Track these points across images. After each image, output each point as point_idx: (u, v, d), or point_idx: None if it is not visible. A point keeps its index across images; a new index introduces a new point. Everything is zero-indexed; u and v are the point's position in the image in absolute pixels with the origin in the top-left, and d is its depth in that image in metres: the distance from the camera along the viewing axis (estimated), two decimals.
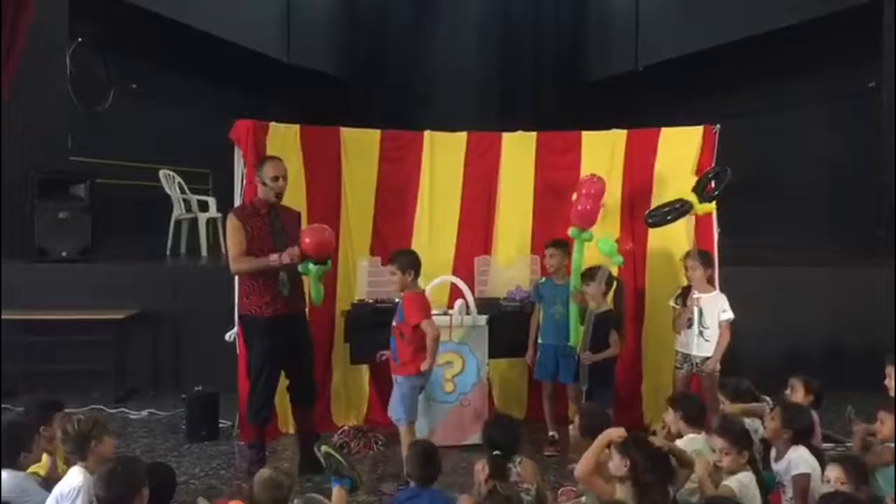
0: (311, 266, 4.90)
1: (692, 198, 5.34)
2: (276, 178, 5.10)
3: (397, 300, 5.18)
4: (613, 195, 6.23)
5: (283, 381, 5.33)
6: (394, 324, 5.10)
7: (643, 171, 6.22)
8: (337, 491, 3.86)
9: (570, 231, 5.64)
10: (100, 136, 9.22)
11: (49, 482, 3.84)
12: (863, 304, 7.27)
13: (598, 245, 5.49)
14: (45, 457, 4.04)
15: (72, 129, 8.69)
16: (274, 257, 4.90)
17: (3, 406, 6.29)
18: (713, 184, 5.39)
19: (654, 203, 6.02)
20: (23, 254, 7.42)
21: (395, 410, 5.05)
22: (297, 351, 5.20)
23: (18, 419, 4.31)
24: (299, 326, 5.26)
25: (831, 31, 9.37)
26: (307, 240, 4.84)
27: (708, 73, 11.57)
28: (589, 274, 5.55)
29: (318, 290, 5.01)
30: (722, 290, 5.62)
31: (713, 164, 5.93)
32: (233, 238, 5.02)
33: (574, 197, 5.63)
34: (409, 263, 5.08)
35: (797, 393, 4.93)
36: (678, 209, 5.35)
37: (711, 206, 5.50)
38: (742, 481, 3.84)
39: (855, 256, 8.86)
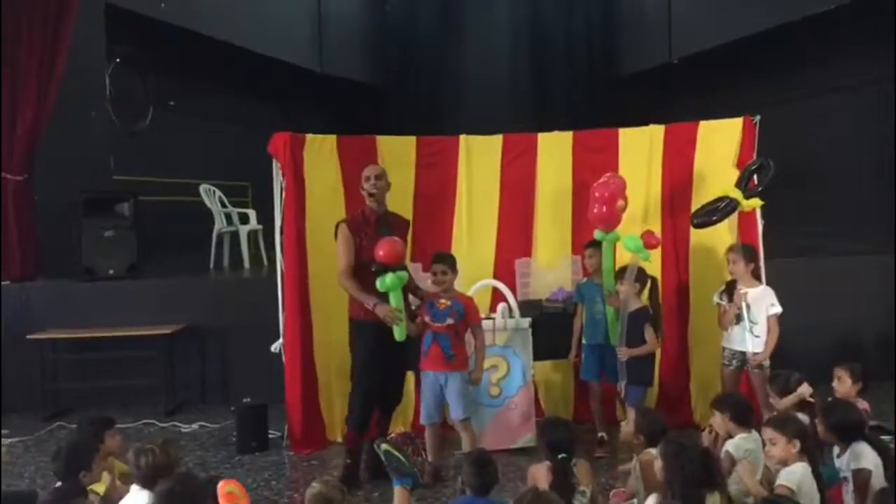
0: (388, 276, 4.80)
1: (737, 194, 5.25)
2: (367, 178, 5.16)
3: (448, 301, 5.09)
4: (654, 191, 6.18)
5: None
6: (447, 322, 5.04)
7: (683, 165, 6.14)
8: (399, 491, 3.81)
9: (595, 234, 5.54)
10: (141, 155, 9.42)
11: (108, 500, 3.90)
12: None
13: (625, 242, 5.40)
14: (104, 475, 4.08)
15: (114, 149, 8.84)
16: (371, 302, 4.91)
17: (57, 424, 6.46)
18: (756, 179, 5.29)
19: (696, 198, 5.96)
20: (70, 273, 7.55)
21: (463, 409, 5.05)
22: (395, 361, 5.22)
23: (76, 439, 4.37)
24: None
25: (871, 14, 9.19)
26: (381, 252, 4.82)
27: (744, 62, 11.42)
28: (621, 274, 5.50)
29: (401, 328, 4.87)
30: (767, 282, 5.53)
31: (754, 156, 5.86)
32: (342, 249, 5.08)
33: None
34: (456, 265, 5.18)
35: (844, 383, 4.84)
36: (724, 208, 5.25)
37: (758, 202, 5.39)
38: (797, 472, 3.73)
39: None
